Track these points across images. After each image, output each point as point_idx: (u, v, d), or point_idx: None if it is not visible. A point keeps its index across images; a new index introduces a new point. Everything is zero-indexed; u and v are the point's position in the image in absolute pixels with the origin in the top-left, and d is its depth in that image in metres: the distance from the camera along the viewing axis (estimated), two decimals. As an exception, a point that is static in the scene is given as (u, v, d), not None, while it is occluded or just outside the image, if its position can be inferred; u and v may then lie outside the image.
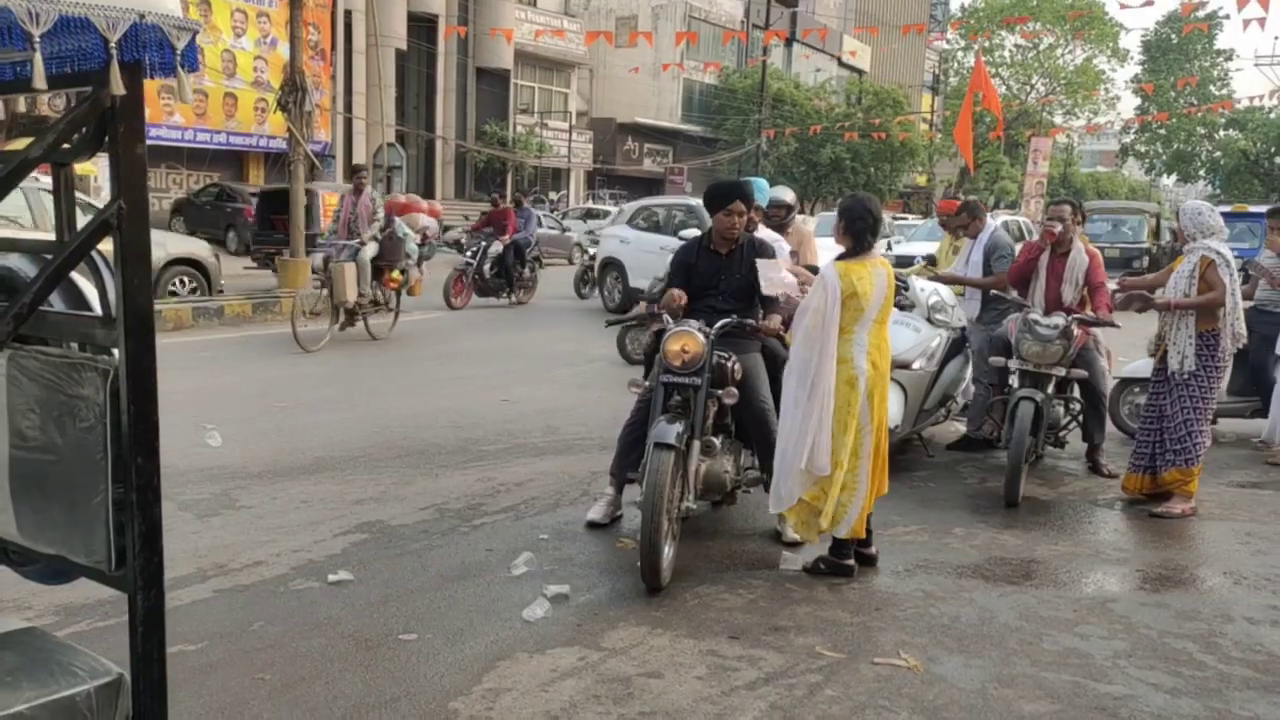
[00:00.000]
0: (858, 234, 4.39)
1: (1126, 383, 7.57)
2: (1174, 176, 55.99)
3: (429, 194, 28.16)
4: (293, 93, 13.98)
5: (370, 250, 10.75)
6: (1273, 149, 48.32)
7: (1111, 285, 6.23)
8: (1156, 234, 21.88)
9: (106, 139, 1.82)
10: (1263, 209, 16.50)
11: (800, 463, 4.27)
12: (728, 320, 4.63)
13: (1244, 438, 7.49)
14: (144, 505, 1.88)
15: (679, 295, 4.70)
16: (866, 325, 4.34)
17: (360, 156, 30.31)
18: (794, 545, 4.77)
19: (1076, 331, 5.89)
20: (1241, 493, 6.13)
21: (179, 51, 1.79)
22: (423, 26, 33.41)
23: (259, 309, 12.73)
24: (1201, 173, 53.40)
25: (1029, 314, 6.00)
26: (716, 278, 4.88)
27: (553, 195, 38.28)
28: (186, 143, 25.69)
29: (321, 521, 5.00)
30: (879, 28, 49.98)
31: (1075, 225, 6.40)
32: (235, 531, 4.82)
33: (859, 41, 54.69)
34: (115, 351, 1.89)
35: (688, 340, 4.43)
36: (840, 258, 4.41)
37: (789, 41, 48.63)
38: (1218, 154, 51.32)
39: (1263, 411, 7.17)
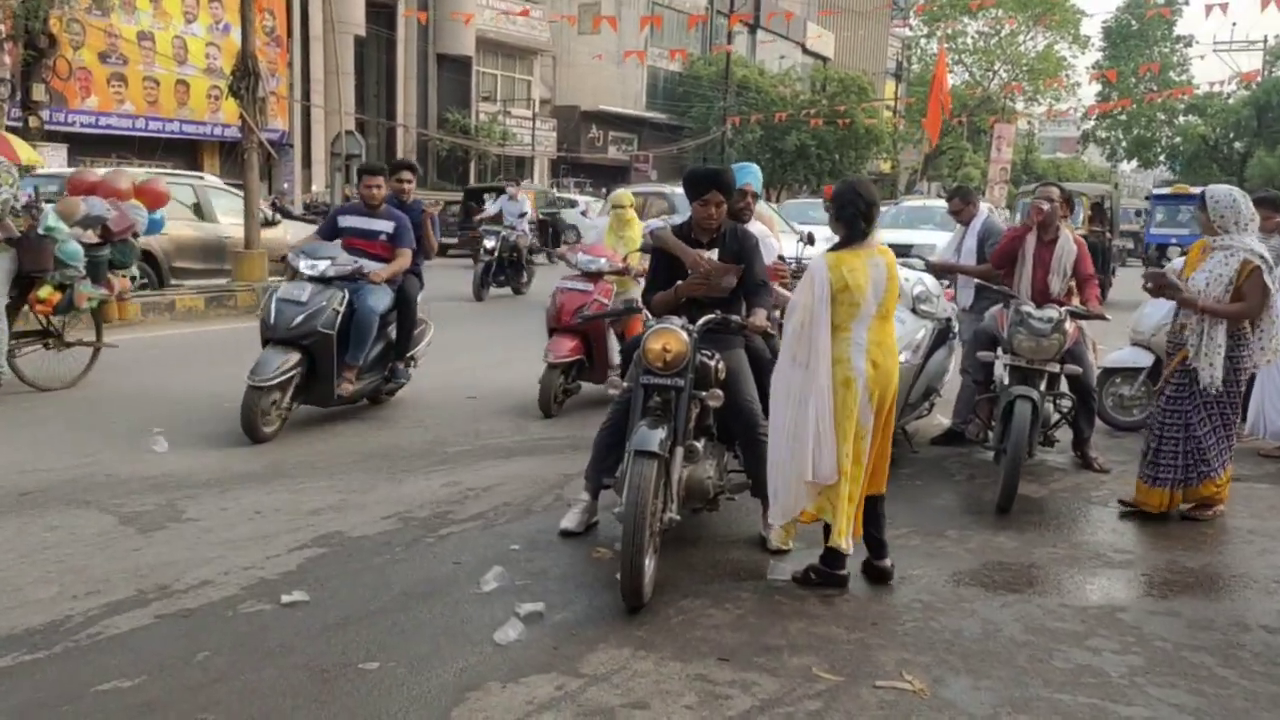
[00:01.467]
0: (848, 220, 4.04)
1: (1109, 373, 7.39)
2: (1134, 162, 56.49)
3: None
4: (245, 78, 13.46)
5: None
6: (1231, 134, 48.81)
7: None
8: (1110, 220, 20.55)
9: None
10: (1198, 191, 15.96)
11: (806, 474, 3.92)
12: (711, 316, 4.32)
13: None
14: None
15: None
16: (865, 321, 3.99)
17: (319, 145, 29.70)
18: (781, 553, 4.49)
19: (1069, 325, 5.65)
20: (1237, 487, 5.90)
21: None
22: (381, 12, 32.79)
23: (211, 303, 12.24)
24: (1162, 158, 53.89)
25: (1020, 306, 5.75)
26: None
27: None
28: (138, 131, 24.95)
29: (275, 535, 4.65)
30: (842, 13, 49.85)
31: (1063, 214, 6.21)
32: (181, 547, 4.46)
33: (823, 28, 54.53)
34: None
35: (669, 339, 4.11)
36: (833, 248, 4.09)
37: (753, 27, 48.33)
38: (1177, 139, 51.77)
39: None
